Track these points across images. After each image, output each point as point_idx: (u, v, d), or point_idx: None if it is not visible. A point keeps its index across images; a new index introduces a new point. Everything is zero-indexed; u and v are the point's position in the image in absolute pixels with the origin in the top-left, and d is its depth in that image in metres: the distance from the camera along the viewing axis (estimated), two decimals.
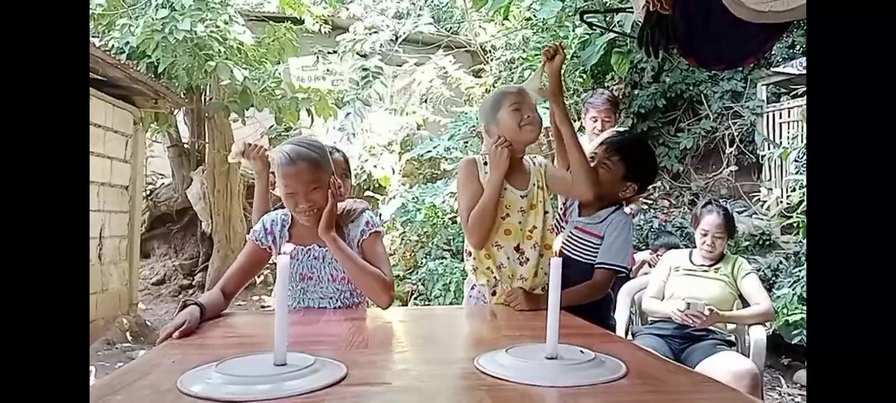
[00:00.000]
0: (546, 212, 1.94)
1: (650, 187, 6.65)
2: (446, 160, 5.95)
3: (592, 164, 1.94)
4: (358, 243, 1.75)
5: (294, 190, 1.66)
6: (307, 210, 1.68)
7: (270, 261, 1.81)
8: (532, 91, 1.98)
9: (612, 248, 1.91)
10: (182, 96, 6.32)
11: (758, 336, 2.55)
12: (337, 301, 1.75)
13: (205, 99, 7.05)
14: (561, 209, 2.13)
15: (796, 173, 5.46)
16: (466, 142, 6.19)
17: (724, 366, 2.31)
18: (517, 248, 1.90)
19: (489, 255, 1.90)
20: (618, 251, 1.91)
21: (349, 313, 1.70)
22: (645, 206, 6.14)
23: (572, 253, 1.97)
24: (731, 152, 6.87)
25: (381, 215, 5.76)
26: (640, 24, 2.60)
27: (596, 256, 1.93)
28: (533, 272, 1.89)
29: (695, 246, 2.77)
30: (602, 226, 1.95)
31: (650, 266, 3.50)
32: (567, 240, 1.99)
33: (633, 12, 2.78)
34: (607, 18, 4.65)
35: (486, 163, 1.92)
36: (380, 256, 1.74)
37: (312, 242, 1.74)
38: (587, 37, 5.25)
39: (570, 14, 5.42)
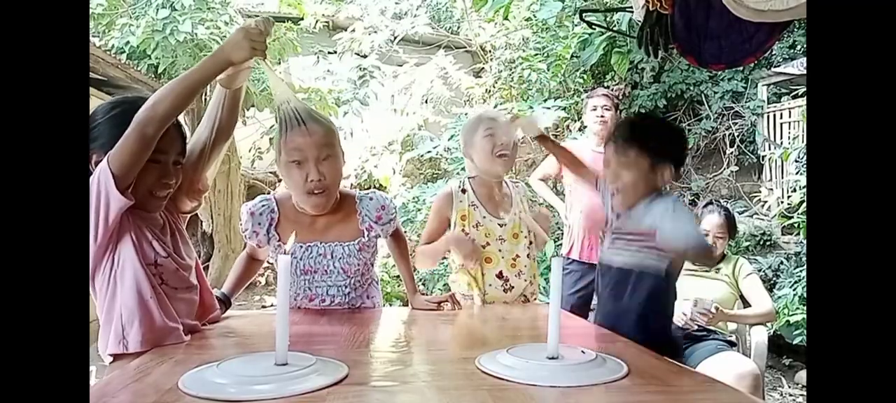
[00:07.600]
0: (531, 243, 1.96)
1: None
2: (447, 160, 5.94)
3: (610, 168, 1.64)
4: (387, 233, 1.74)
5: (303, 157, 1.49)
6: (317, 185, 1.51)
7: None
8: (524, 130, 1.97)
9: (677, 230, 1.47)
10: None
11: (759, 336, 2.55)
12: (346, 296, 1.69)
13: (205, 99, 7.05)
14: (602, 233, 1.78)
15: (797, 173, 5.46)
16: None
17: (725, 367, 2.30)
18: (500, 275, 1.92)
19: (469, 282, 1.92)
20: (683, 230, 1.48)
21: (350, 313, 1.70)
22: None
23: (616, 258, 1.64)
24: (731, 152, 6.87)
25: None
26: (639, 23, 2.60)
27: (645, 253, 1.57)
28: (516, 299, 1.93)
29: None
30: (644, 219, 1.56)
31: None
32: (609, 249, 1.68)
33: (632, 11, 2.78)
34: (607, 18, 4.65)
35: (464, 191, 1.94)
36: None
37: (313, 240, 1.62)
38: (587, 36, 5.25)
39: (570, 14, 5.42)
